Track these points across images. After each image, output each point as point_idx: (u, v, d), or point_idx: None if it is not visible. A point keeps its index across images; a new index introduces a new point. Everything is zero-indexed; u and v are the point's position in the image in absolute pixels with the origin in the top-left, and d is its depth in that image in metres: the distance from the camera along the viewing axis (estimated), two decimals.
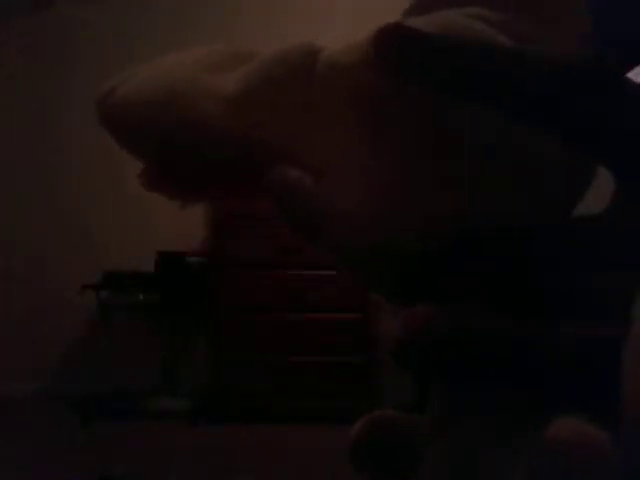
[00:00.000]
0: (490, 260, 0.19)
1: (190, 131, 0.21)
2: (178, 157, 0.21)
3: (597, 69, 0.18)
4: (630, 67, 0.50)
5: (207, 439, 2.90)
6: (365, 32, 0.19)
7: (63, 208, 3.76)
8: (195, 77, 0.21)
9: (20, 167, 3.81)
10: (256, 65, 0.21)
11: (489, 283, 0.19)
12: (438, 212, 0.19)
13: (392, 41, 0.17)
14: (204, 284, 3.28)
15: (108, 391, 3.34)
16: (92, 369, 3.58)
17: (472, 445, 0.21)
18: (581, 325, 0.18)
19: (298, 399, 3.14)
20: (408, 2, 0.24)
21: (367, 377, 3.15)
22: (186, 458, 2.66)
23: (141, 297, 3.45)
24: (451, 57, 0.17)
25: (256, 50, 0.22)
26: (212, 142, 0.21)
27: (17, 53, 3.83)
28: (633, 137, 0.18)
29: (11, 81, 3.84)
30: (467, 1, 0.20)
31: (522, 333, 0.18)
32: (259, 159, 0.21)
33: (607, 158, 0.19)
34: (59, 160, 3.78)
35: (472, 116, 0.19)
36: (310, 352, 3.17)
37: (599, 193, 0.29)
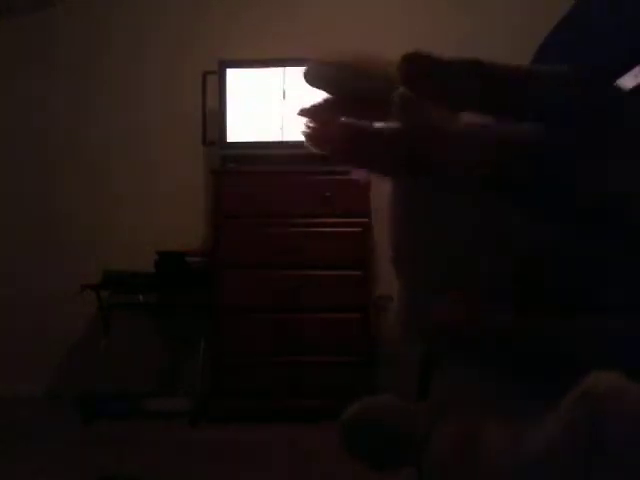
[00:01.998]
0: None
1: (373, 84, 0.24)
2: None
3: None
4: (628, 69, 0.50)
5: (207, 439, 2.90)
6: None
7: (63, 208, 3.76)
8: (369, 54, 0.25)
9: (19, 167, 3.81)
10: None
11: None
12: None
13: (416, 67, 0.19)
14: (204, 284, 3.27)
15: (108, 391, 3.34)
16: (92, 369, 3.57)
17: (473, 438, 0.21)
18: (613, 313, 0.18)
19: (298, 399, 3.14)
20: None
21: (367, 377, 3.15)
22: (186, 458, 2.66)
23: (141, 297, 3.45)
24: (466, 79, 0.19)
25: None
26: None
27: (16, 52, 3.83)
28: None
29: (10, 81, 3.83)
30: None
31: (556, 327, 0.18)
32: None
33: None
34: (59, 160, 3.78)
35: None
36: (310, 352, 3.17)
37: None
